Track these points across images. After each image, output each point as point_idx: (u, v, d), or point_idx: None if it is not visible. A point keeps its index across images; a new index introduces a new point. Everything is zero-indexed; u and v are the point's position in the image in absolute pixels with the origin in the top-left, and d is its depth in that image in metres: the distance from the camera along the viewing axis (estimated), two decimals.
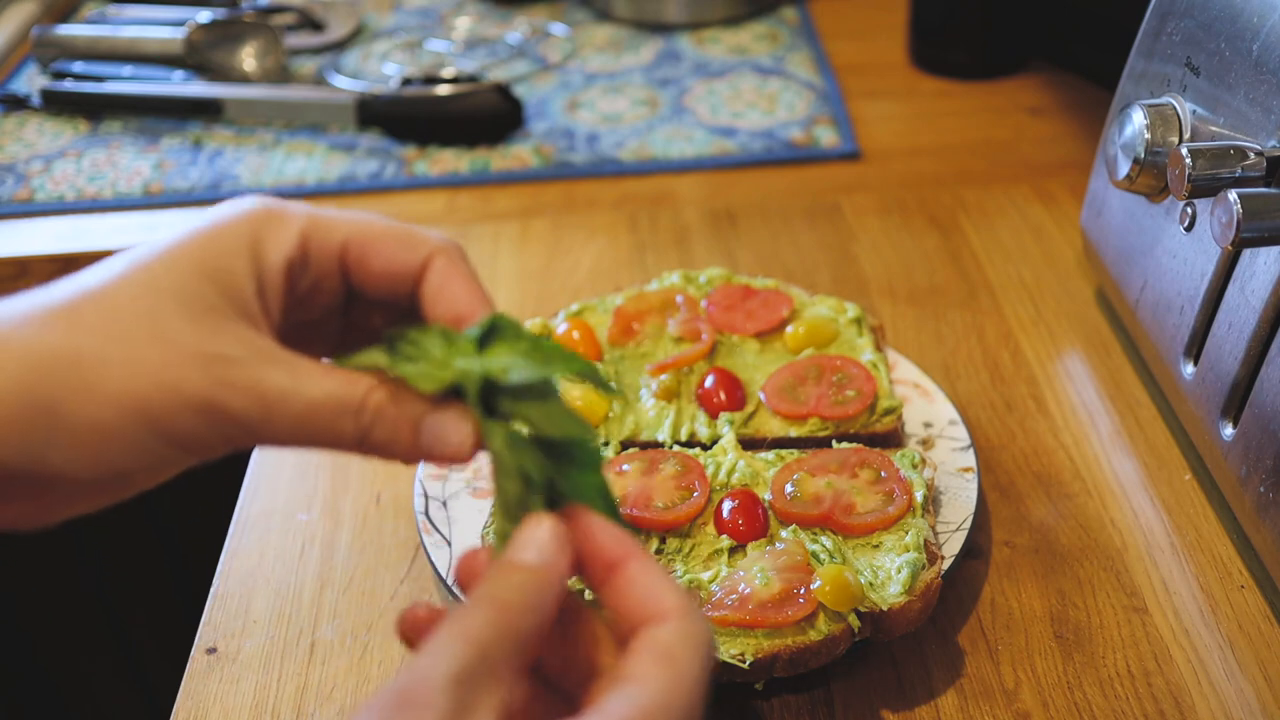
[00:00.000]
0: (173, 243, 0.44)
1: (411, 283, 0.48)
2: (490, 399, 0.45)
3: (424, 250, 0.48)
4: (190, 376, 0.42)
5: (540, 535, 0.43)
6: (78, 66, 1.33)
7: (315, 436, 0.44)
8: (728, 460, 0.74)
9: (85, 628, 1.46)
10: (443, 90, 1.21)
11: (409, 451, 0.45)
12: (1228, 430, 0.72)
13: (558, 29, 1.43)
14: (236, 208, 0.46)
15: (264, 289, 0.45)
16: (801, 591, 0.64)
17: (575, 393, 0.79)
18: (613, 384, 0.50)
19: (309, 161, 1.18)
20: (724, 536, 0.70)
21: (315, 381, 0.43)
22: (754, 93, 1.29)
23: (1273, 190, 0.65)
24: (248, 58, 1.32)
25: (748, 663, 0.62)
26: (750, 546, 0.69)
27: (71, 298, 0.43)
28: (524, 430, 0.45)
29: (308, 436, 0.44)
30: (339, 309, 0.50)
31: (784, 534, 0.69)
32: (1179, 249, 0.78)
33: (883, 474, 0.71)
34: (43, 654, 1.45)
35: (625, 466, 0.74)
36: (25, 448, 0.41)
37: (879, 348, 0.83)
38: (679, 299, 0.87)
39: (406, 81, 1.26)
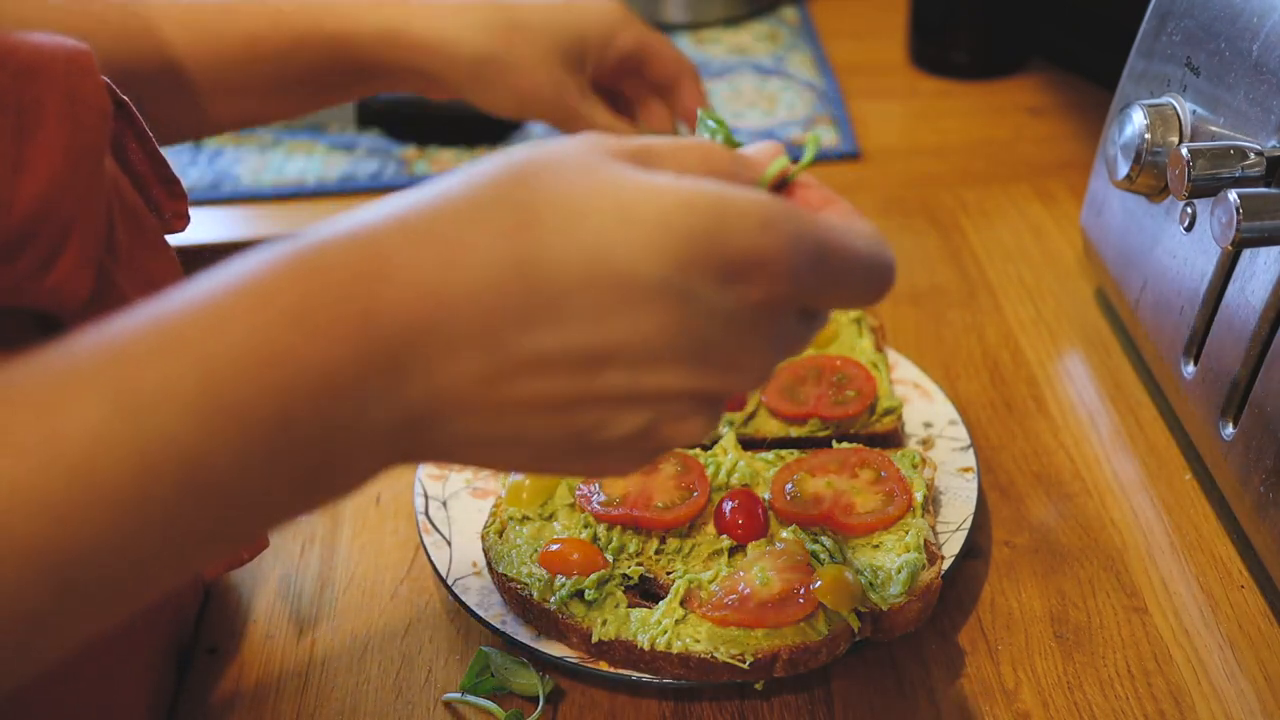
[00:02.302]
0: (568, 8, 0.85)
1: (670, 87, 0.90)
2: None
3: (680, 70, 0.90)
4: (549, 90, 0.83)
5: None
6: None
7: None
8: (728, 460, 0.74)
9: None
10: None
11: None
12: (1228, 430, 0.72)
13: None
14: (603, 5, 0.87)
15: (602, 56, 0.86)
16: (801, 591, 0.64)
17: None
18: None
19: (309, 161, 1.18)
20: (724, 536, 0.70)
21: (598, 112, 0.86)
22: (754, 93, 1.29)
23: (1273, 190, 0.65)
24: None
25: (748, 663, 0.62)
26: (750, 546, 0.69)
27: (505, 18, 0.82)
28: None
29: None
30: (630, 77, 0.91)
31: (784, 534, 0.69)
32: (1179, 249, 0.78)
33: (883, 474, 0.71)
34: None
35: None
36: (456, 88, 0.84)
37: (879, 348, 0.83)
38: None
39: None
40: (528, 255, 0.39)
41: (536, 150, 0.42)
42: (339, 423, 0.38)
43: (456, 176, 0.41)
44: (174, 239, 0.61)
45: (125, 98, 0.54)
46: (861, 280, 0.47)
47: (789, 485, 0.72)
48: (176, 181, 0.60)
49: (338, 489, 0.41)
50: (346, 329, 0.38)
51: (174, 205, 0.60)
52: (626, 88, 0.90)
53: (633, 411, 0.43)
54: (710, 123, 0.55)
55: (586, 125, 0.80)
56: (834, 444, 0.76)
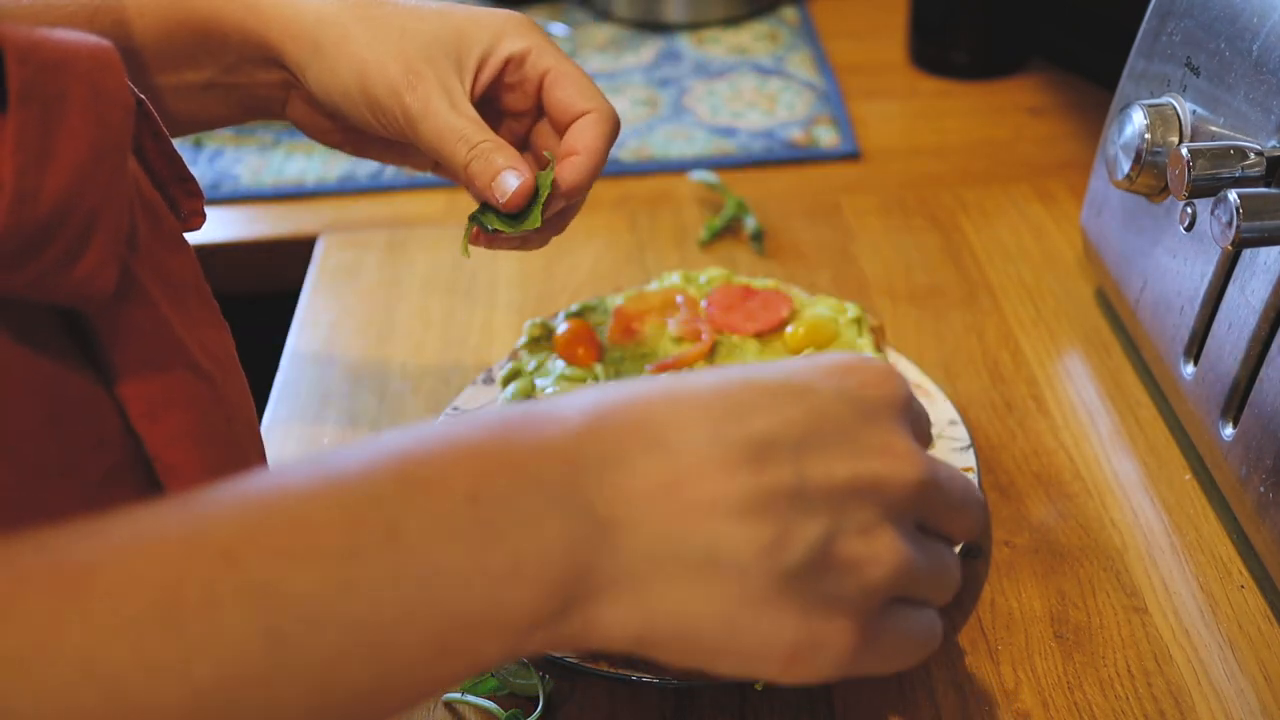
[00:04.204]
0: (459, 9, 0.68)
1: (569, 121, 0.69)
2: None
3: (588, 106, 0.69)
4: (395, 69, 0.64)
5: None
6: None
7: (441, 148, 0.65)
8: None
9: None
10: None
11: (484, 189, 0.65)
12: (1228, 430, 0.72)
13: (558, 29, 1.43)
14: (505, 12, 0.69)
15: (484, 61, 0.67)
16: None
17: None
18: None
19: (309, 161, 1.18)
20: None
21: (459, 114, 0.65)
22: (754, 93, 1.29)
23: (1273, 190, 0.65)
24: None
25: None
26: None
27: (362, 2, 0.67)
28: None
29: (437, 146, 0.65)
30: (532, 113, 0.71)
31: None
32: (1179, 249, 0.78)
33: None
34: None
35: None
36: (299, 66, 0.66)
37: (879, 348, 0.83)
38: (679, 299, 0.87)
39: None
40: (668, 384, 0.45)
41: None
42: (522, 508, 0.40)
43: None
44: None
45: (142, 96, 0.54)
46: (929, 431, 0.53)
47: None
48: (192, 180, 0.60)
49: (537, 609, 0.41)
50: (520, 434, 0.42)
51: (190, 203, 0.60)
52: (507, 100, 0.71)
53: (812, 510, 0.43)
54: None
55: (434, 129, 0.65)
56: None
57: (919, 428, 0.50)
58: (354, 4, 0.66)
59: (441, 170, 0.76)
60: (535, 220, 0.67)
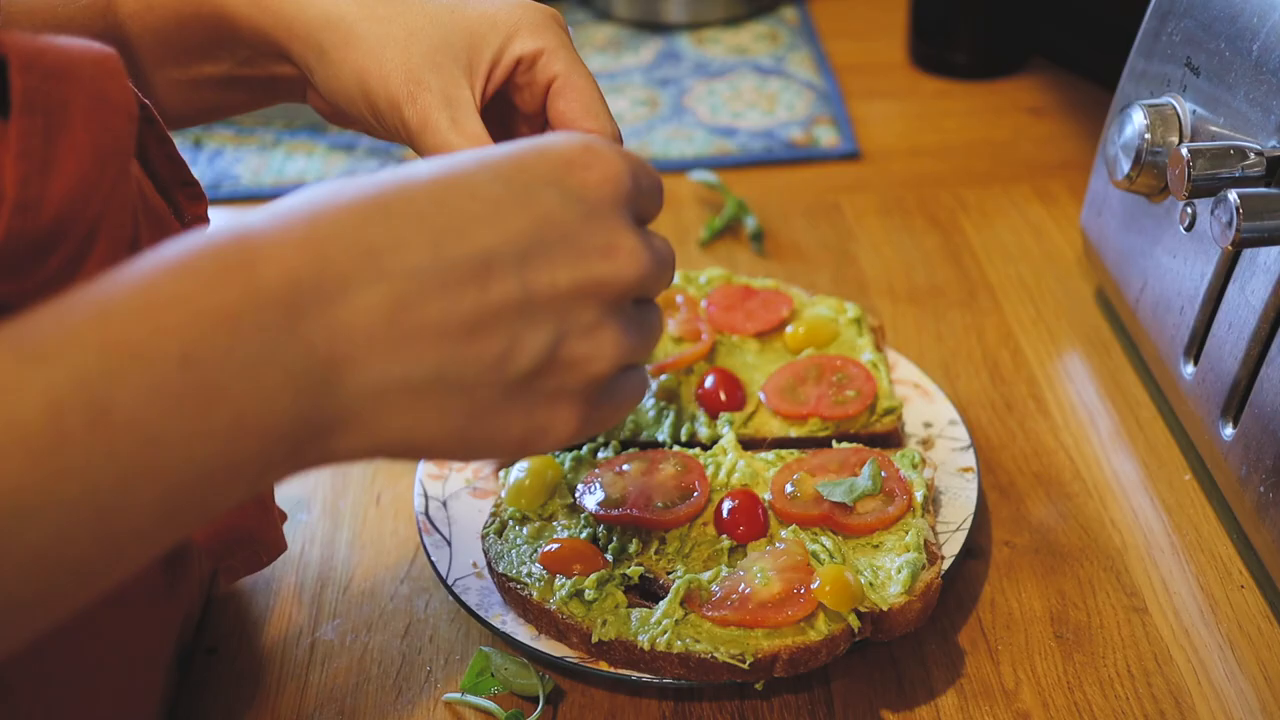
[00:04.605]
0: (473, 6, 0.64)
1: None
2: None
3: (590, 127, 0.65)
4: (396, 79, 0.61)
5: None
6: None
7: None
8: (728, 460, 0.74)
9: None
10: None
11: None
12: (1228, 430, 0.72)
13: None
14: (524, 5, 0.65)
15: (496, 63, 0.64)
16: (801, 591, 0.64)
17: None
18: None
19: (309, 161, 1.18)
20: (724, 536, 0.70)
21: (458, 132, 0.62)
22: (754, 93, 1.29)
23: (1273, 190, 0.65)
24: None
25: (748, 663, 0.62)
26: (750, 546, 0.69)
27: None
28: None
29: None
30: (541, 117, 0.66)
31: (784, 534, 0.69)
32: (1179, 249, 0.78)
33: (883, 474, 0.71)
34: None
35: (625, 466, 0.74)
36: (305, 67, 0.64)
37: (879, 348, 0.83)
38: (679, 299, 0.87)
39: None
40: (385, 192, 0.43)
41: None
42: (239, 363, 0.39)
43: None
44: None
45: (147, 101, 0.54)
46: (651, 176, 0.51)
47: (789, 485, 0.72)
48: (196, 184, 0.60)
49: (267, 455, 0.41)
50: (232, 276, 0.40)
51: (194, 208, 0.61)
52: (519, 99, 0.67)
53: (537, 321, 0.44)
54: None
55: (433, 146, 0.62)
56: (834, 444, 0.76)
57: (646, 204, 0.50)
58: (362, 2, 0.64)
59: None
60: None
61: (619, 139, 0.66)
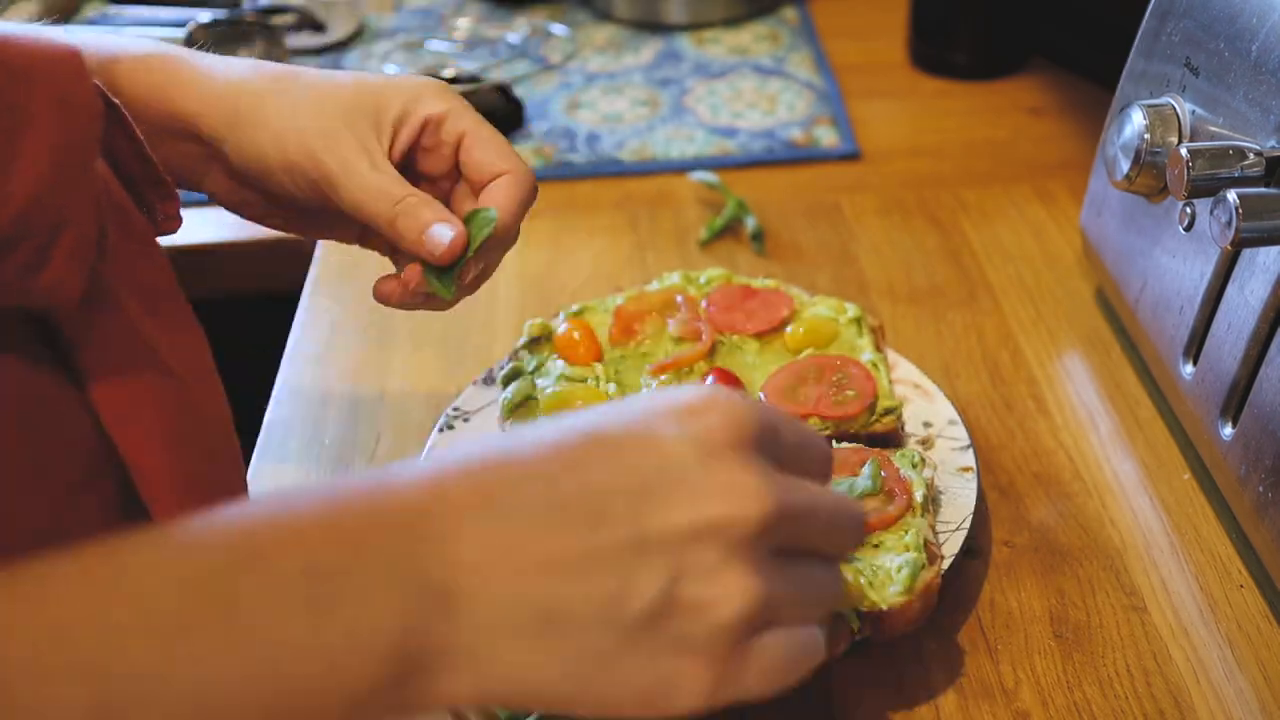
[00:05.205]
0: (373, 77, 0.67)
1: (485, 182, 0.67)
2: None
3: (505, 168, 0.67)
4: (311, 133, 0.64)
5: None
6: None
7: (365, 206, 0.64)
8: None
9: None
10: None
11: (415, 243, 0.64)
12: (1227, 430, 0.72)
13: (558, 29, 1.43)
14: (420, 77, 0.68)
15: (402, 122, 0.66)
16: None
17: (576, 393, 0.79)
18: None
19: None
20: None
21: (379, 172, 0.64)
22: (754, 93, 1.29)
23: (1272, 190, 0.65)
24: (249, 58, 1.32)
25: None
26: None
27: (288, 70, 0.67)
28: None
29: (360, 204, 0.64)
30: (450, 176, 0.69)
31: None
32: (1179, 249, 0.78)
33: (883, 474, 0.71)
34: None
35: None
36: (216, 137, 0.65)
37: (879, 348, 0.83)
38: (679, 299, 0.87)
39: None
40: (508, 442, 0.44)
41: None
42: (358, 582, 0.40)
43: None
44: (176, 239, 0.62)
45: (116, 100, 0.54)
46: (818, 458, 0.49)
47: None
48: (167, 183, 0.60)
49: (371, 679, 0.40)
50: (360, 503, 0.42)
51: (165, 207, 0.60)
52: (425, 163, 0.69)
53: (651, 562, 0.42)
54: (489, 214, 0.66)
55: (356, 188, 0.64)
56: (834, 444, 0.76)
57: (791, 456, 0.47)
58: (270, 75, 0.66)
59: (370, 240, 0.73)
60: (449, 290, 0.66)
61: (534, 178, 0.68)
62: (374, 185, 0.64)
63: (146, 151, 0.58)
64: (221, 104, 0.65)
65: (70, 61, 0.48)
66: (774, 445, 0.46)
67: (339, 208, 0.65)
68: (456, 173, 0.69)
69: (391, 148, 0.66)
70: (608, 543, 0.42)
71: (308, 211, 0.70)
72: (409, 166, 0.68)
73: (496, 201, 0.66)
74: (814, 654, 0.47)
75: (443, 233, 0.64)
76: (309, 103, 0.65)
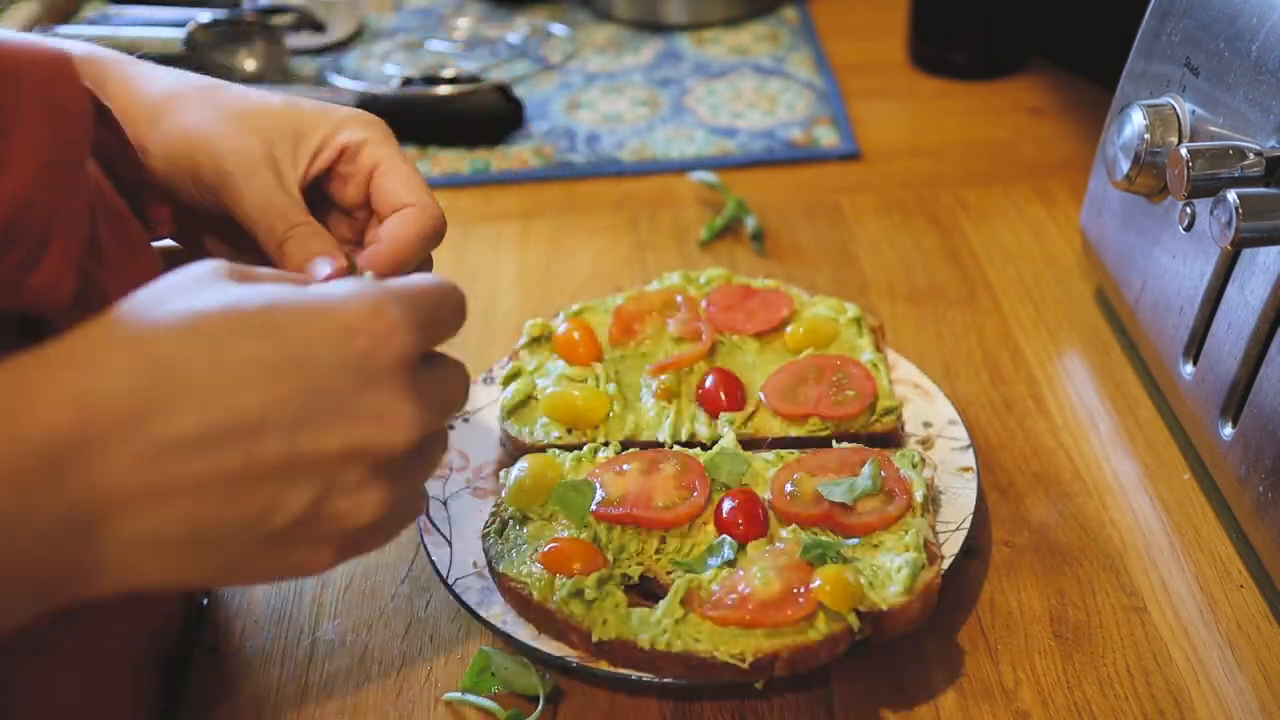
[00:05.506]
0: (307, 103, 0.66)
1: (390, 213, 0.66)
2: None
3: (410, 200, 0.66)
4: (223, 140, 0.62)
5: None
6: None
7: (259, 221, 0.63)
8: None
9: None
10: (443, 91, 1.21)
11: (296, 269, 0.62)
12: (1227, 430, 0.72)
13: (558, 29, 1.43)
14: (355, 110, 0.67)
15: (320, 148, 0.65)
16: (801, 591, 0.64)
17: (576, 393, 0.79)
18: None
19: None
20: (724, 536, 0.70)
21: (283, 192, 0.63)
22: (754, 93, 1.29)
23: (1272, 190, 0.65)
24: (248, 58, 1.32)
25: (748, 663, 0.62)
26: (750, 546, 0.69)
27: (219, 84, 0.66)
28: None
29: (255, 218, 0.63)
30: (366, 211, 0.68)
31: (784, 534, 0.69)
32: (1179, 249, 0.78)
33: (882, 474, 0.71)
34: None
35: (625, 466, 0.74)
36: (140, 144, 0.62)
37: (879, 348, 0.83)
38: (679, 299, 0.87)
39: (407, 82, 1.26)
40: (156, 356, 0.44)
41: (155, 284, 0.48)
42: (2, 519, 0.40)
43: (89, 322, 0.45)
44: (168, 241, 0.62)
45: (107, 104, 0.54)
46: (449, 308, 0.52)
47: (789, 485, 0.72)
48: (157, 187, 0.60)
49: (23, 599, 0.42)
50: (1, 428, 0.41)
51: (157, 211, 0.61)
52: (339, 191, 0.68)
53: (301, 482, 0.45)
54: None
55: (256, 200, 0.63)
56: (834, 444, 0.76)
57: (441, 334, 0.51)
58: (199, 85, 0.66)
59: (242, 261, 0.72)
60: None
61: (440, 215, 0.67)
62: (277, 203, 0.63)
63: (136, 155, 0.58)
64: (147, 108, 0.64)
65: (60, 64, 0.48)
66: (425, 340, 0.49)
67: (234, 217, 0.64)
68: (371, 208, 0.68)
69: (306, 170, 0.65)
70: (259, 465, 0.44)
71: (212, 220, 0.68)
72: (324, 195, 0.68)
73: (390, 231, 0.65)
74: (414, 513, 0.53)
75: (322, 267, 0.62)
76: (230, 115, 0.64)
